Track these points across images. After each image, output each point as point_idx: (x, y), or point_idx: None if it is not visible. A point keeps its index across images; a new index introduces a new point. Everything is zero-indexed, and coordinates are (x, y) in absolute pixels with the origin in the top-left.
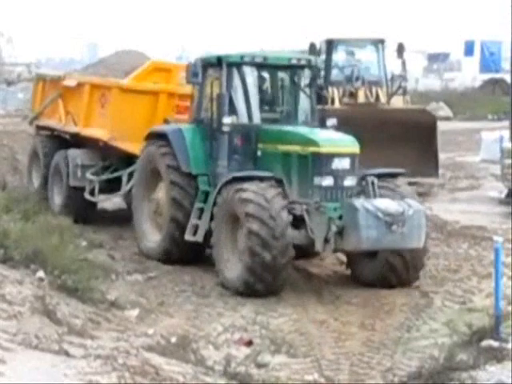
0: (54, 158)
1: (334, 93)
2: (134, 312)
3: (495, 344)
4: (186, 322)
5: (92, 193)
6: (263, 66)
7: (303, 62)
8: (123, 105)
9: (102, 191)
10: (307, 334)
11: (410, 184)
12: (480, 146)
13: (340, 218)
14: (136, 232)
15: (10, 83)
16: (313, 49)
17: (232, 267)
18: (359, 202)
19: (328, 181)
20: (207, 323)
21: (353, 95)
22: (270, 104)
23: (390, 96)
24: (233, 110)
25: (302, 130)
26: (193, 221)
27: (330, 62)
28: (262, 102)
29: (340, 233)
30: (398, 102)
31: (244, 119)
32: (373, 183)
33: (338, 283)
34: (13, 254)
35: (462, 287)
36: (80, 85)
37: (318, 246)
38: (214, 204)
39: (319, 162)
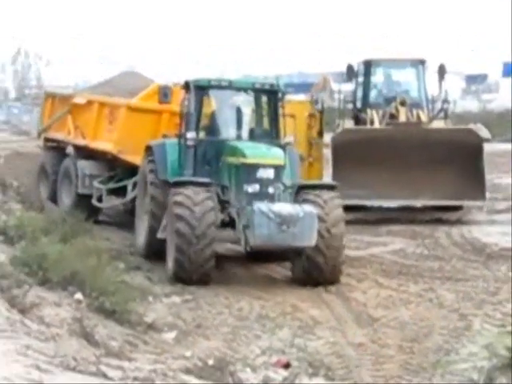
0: (64, 163)
1: (373, 114)
2: (172, 334)
3: None
4: (223, 345)
5: (99, 199)
6: (229, 89)
7: (266, 87)
8: (130, 122)
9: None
10: (345, 356)
11: (456, 208)
12: None
13: None
14: (135, 231)
15: None
16: (350, 70)
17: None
18: (256, 205)
19: (254, 188)
20: (244, 345)
21: (393, 116)
22: (235, 122)
23: (431, 119)
24: (200, 127)
25: (243, 144)
26: (164, 221)
27: (368, 83)
28: (228, 120)
29: None
30: (439, 126)
31: (209, 135)
32: (278, 189)
33: (375, 306)
34: (51, 276)
35: (501, 310)
36: (89, 102)
37: (242, 243)
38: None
39: (247, 171)
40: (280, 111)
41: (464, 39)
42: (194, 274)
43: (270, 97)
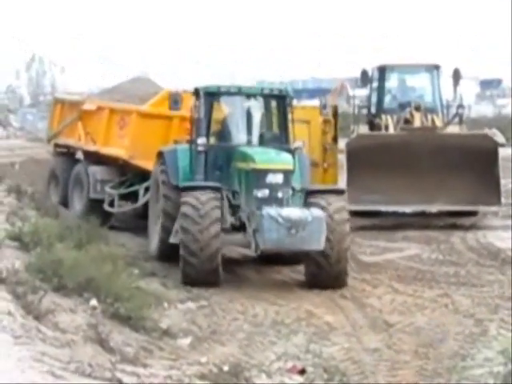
0: (75, 168)
1: (388, 120)
2: (187, 340)
3: None
4: (238, 351)
5: (111, 204)
6: (238, 95)
7: (275, 92)
8: (141, 127)
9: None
10: (360, 362)
11: (471, 213)
12: None
13: None
14: (148, 235)
15: None
16: (365, 76)
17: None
18: (265, 210)
19: (263, 192)
20: (260, 351)
21: (408, 122)
22: (245, 128)
23: (446, 124)
24: (210, 133)
25: (252, 149)
26: (176, 226)
27: (382, 89)
28: (238, 126)
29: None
30: (454, 131)
31: (219, 141)
32: (287, 193)
33: (391, 311)
34: (66, 282)
35: None
36: (100, 109)
37: (252, 247)
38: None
39: (256, 176)
40: (289, 116)
41: (478, 45)
42: (200, 256)
43: (279, 102)
